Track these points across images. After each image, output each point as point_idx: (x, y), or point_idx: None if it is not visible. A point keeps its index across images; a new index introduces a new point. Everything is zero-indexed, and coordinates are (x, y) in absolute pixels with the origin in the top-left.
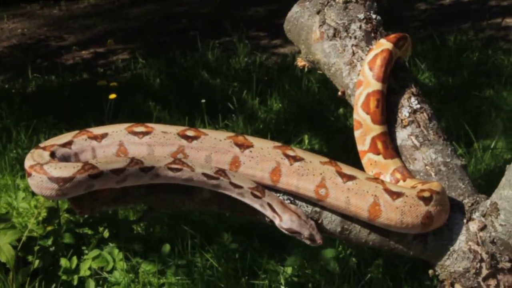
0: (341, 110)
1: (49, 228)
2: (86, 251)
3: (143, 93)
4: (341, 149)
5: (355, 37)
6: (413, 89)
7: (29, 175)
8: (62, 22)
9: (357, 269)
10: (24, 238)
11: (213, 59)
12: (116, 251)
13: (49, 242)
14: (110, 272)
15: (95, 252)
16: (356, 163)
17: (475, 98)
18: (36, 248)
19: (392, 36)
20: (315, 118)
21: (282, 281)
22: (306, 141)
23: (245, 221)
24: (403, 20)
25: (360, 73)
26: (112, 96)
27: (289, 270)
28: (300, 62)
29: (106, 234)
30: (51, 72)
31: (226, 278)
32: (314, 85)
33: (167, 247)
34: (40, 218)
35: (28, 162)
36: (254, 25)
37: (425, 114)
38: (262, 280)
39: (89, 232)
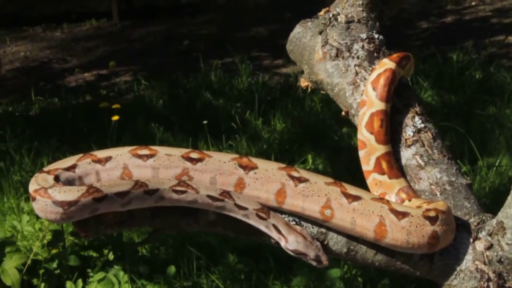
0: (344, 129)
1: (54, 251)
2: (91, 274)
3: (146, 115)
4: (345, 168)
5: (357, 57)
6: (417, 108)
7: (34, 199)
8: (64, 44)
9: None
10: (29, 262)
11: (215, 80)
12: (121, 273)
13: (54, 265)
14: None
15: (100, 275)
16: (362, 183)
17: (478, 116)
18: (42, 271)
19: (395, 55)
20: (318, 137)
21: None
22: (310, 161)
23: (251, 242)
24: (405, 39)
25: (363, 93)
26: (115, 118)
27: None
28: (303, 82)
29: (111, 256)
30: (54, 95)
31: None
32: (317, 104)
33: (172, 269)
34: (45, 241)
35: (32, 186)
36: (256, 45)
37: (429, 133)
38: None
39: (94, 254)
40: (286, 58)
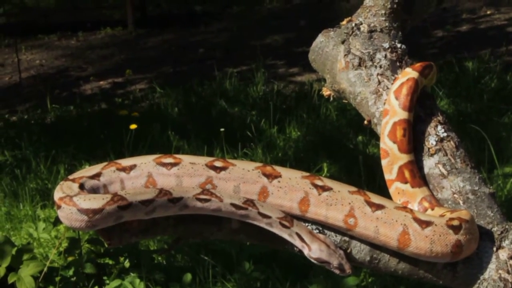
0: (360, 137)
1: (70, 258)
2: (107, 281)
3: (161, 123)
4: (360, 177)
5: (380, 66)
6: (440, 117)
7: (59, 207)
8: (80, 52)
9: None
10: (45, 269)
11: (230, 88)
12: (137, 281)
13: (71, 272)
14: None
15: (116, 282)
16: (377, 190)
17: (494, 124)
18: (58, 278)
19: (418, 65)
20: (333, 146)
21: None
22: (325, 169)
23: (266, 250)
24: (421, 48)
25: (386, 102)
26: (133, 126)
27: None
28: (326, 91)
29: (127, 264)
30: (69, 103)
31: None
32: (332, 113)
33: (188, 277)
34: (61, 249)
35: (57, 194)
36: (271, 53)
37: (452, 142)
38: None
39: (110, 262)
40: (301, 66)
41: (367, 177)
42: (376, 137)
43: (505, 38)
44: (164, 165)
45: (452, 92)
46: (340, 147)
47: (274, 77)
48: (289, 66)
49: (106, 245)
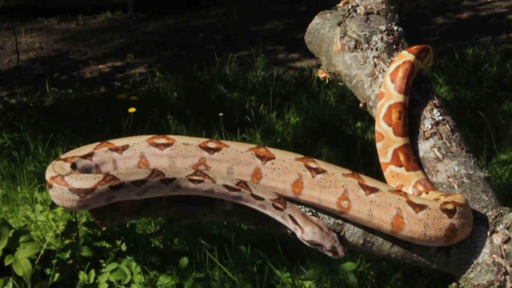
0: (359, 123)
1: (67, 241)
2: (104, 265)
3: (161, 107)
4: (358, 162)
5: (376, 49)
6: (436, 101)
7: (50, 186)
8: (79, 36)
9: (376, 283)
10: (42, 252)
11: (230, 73)
12: (134, 264)
13: (67, 255)
14: (128, 285)
15: (113, 266)
16: (375, 176)
17: (493, 112)
18: (54, 261)
19: (414, 47)
20: (332, 131)
21: None
22: (324, 155)
23: (263, 235)
24: (421, 34)
25: (381, 85)
26: (132, 110)
27: (307, 283)
28: (321, 73)
29: (123, 247)
30: (68, 86)
31: None
32: (331, 99)
33: (185, 261)
34: (58, 232)
35: (49, 174)
36: (271, 39)
37: (447, 126)
38: None
39: (107, 245)
40: (301, 52)
41: (365, 163)
42: (374, 123)
43: (505, 26)
44: (157, 145)
45: (451, 79)
46: (339, 133)
47: (273, 62)
48: (288, 51)
49: (98, 225)
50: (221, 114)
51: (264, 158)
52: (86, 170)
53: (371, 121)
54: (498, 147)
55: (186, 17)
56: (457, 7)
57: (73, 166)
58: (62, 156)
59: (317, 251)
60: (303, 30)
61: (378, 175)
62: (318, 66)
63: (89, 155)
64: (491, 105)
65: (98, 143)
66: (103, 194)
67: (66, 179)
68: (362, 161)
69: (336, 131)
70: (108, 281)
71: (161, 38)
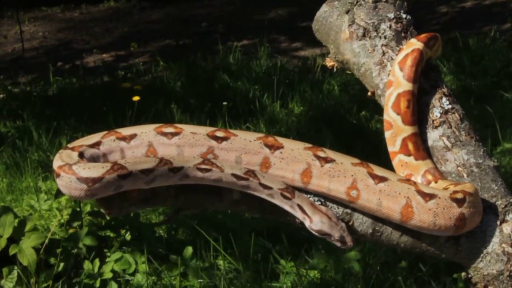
0: (363, 112)
1: (71, 230)
2: (108, 254)
3: (164, 96)
4: (362, 151)
5: (385, 37)
6: (444, 90)
7: (58, 175)
8: (83, 25)
9: (380, 272)
10: (46, 241)
11: (234, 62)
12: (138, 253)
13: (72, 244)
14: (132, 274)
15: (117, 255)
16: (380, 165)
17: (497, 101)
18: (59, 250)
19: (423, 35)
20: (336, 121)
21: (305, 283)
22: (329, 145)
23: (268, 224)
24: (425, 23)
25: (390, 73)
26: (136, 98)
27: (312, 272)
28: (329, 62)
29: (128, 236)
30: (72, 75)
31: (249, 280)
32: (335, 88)
33: (189, 250)
34: (63, 221)
35: (56, 163)
36: (274, 28)
37: (456, 114)
38: (285, 283)
39: (111, 234)
40: (304, 40)
41: (370, 153)
42: (378, 112)
43: (509, 15)
44: (165, 134)
45: (456, 68)
46: (343, 122)
47: (277, 51)
48: (292, 40)
49: (106, 214)
50: (225, 103)
51: (273, 147)
52: (94, 159)
53: (375, 110)
54: (503, 136)
55: (189, 6)
56: None
57: (81, 155)
58: (70, 145)
59: (321, 240)
60: (306, 18)
61: (384, 165)
62: (322, 55)
63: (96, 144)
64: (495, 94)
65: (105, 132)
66: (111, 183)
67: (74, 168)
68: (367, 150)
69: (340, 120)
70: (112, 270)
71: (165, 27)
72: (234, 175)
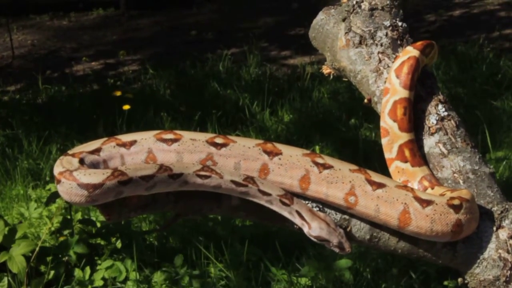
0: (352, 120)
1: (62, 238)
2: (99, 262)
3: (154, 104)
4: (352, 159)
5: (381, 44)
6: (440, 97)
7: (59, 182)
8: (71, 33)
9: (371, 279)
10: (37, 249)
11: (223, 70)
12: (129, 261)
13: (62, 252)
14: (123, 282)
15: (108, 263)
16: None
17: (486, 109)
18: (49, 258)
19: (419, 43)
20: (326, 129)
21: None
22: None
23: (259, 232)
24: (413, 31)
25: (386, 81)
26: (126, 107)
27: (303, 280)
28: (326, 69)
29: (119, 244)
30: (61, 83)
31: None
32: (324, 96)
33: (180, 258)
34: (53, 229)
35: (57, 169)
36: (263, 36)
37: (452, 121)
38: None
39: (102, 242)
40: (293, 49)
41: (361, 160)
42: (368, 120)
43: (497, 23)
44: (164, 141)
45: (445, 76)
46: (332, 130)
47: (266, 59)
48: (281, 49)
49: (106, 220)
50: (214, 111)
51: (271, 154)
52: (94, 165)
53: (364, 118)
54: (493, 144)
55: (178, 14)
56: (449, 4)
57: (81, 162)
58: (70, 152)
59: (312, 247)
60: (295, 27)
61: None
62: (311, 63)
63: (96, 151)
64: (484, 102)
65: (105, 139)
66: (111, 189)
67: (75, 174)
68: (357, 158)
69: (329, 128)
70: (103, 278)
71: (153, 35)
72: (233, 181)
